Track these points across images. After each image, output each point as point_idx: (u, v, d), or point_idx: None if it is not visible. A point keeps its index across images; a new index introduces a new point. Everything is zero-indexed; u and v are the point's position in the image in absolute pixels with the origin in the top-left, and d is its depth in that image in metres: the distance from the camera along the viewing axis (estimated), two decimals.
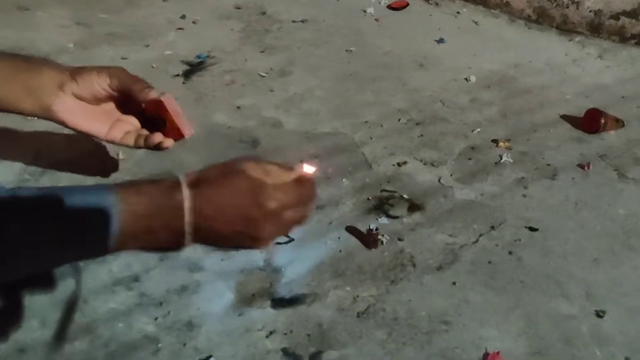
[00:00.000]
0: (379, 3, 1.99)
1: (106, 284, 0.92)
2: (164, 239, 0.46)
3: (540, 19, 1.74)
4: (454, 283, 0.91)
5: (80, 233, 0.42)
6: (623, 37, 1.60)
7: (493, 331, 0.83)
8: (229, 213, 0.46)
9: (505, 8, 1.80)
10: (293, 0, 2.05)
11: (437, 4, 1.94)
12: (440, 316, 0.85)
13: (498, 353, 0.78)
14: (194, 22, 1.89)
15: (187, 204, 0.45)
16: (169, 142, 0.60)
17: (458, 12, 1.89)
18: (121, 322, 0.87)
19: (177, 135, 0.60)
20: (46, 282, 0.49)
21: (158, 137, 0.58)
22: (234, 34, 1.81)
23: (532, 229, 1.02)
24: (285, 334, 0.83)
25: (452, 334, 0.83)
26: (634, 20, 1.56)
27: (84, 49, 1.73)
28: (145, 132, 0.60)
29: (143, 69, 1.60)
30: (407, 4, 1.95)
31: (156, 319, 0.87)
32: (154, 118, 0.60)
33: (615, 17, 1.59)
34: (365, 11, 1.93)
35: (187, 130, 0.61)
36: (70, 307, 0.92)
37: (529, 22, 1.76)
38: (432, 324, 0.84)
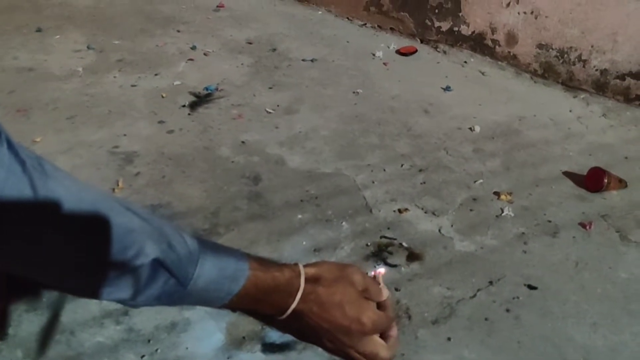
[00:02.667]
0: (388, 47, 2.02)
1: (95, 316, 0.90)
2: (265, 311, 0.53)
3: (546, 73, 1.75)
4: (449, 339, 0.90)
5: (211, 282, 0.49)
6: (628, 98, 1.61)
7: None
8: (330, 315, 0.53)
9: (512, 61, 1.82)
10: (304, 39, 2.08)
11: (445, 52, 1.97)
12: None
13: None
14: (205, 54, 1.91)
15: (299, 294, 0.53)
16: None
17: (465, 62, 1.91)
18: (107, 358, 0.85)
19: None
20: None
21: None
22: (244, 68, 1.83)
23: (531, 287, 1.00)
24: None
25: None
26: (639, 81, 1.57)
27: (93, 73, 1.74)
28: None
29: (152, 98, 1.61)
30: (416, 50, 1.98)
31: (143, 356, 0.85)
32: None
33: (621, 77, 1.60)
34: (374, 54, 1.96)
35: None
36: (52, 320, 0.90)
37: (535, 76, 1.78)
38: None
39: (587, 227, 1.16)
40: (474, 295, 0.98)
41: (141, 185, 1.24)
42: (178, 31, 2.09)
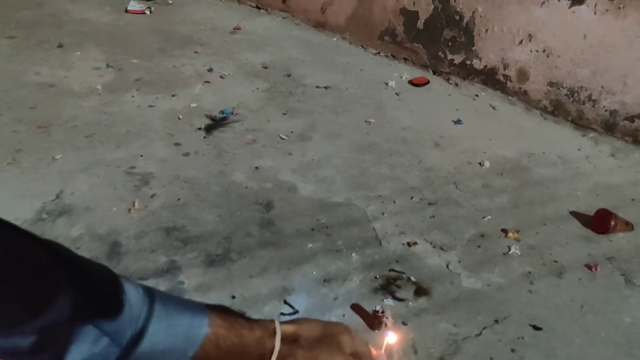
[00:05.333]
0: (401, 77, 2.05)
1: None
2: None
3: (556, 111, 1.78)
4: None
5: (158, 343, 0.45)
6: (636, 139, 1.63)
7: None
8: None
9: (523, 97, 1.85)
10: (319, 66, 2.12)
11: (456, 85, 2.00)
12: None
13: None
14: (221, 77, 1.95)
15: (274, 356, 0.48)
16: None
17: (477, 95, 1.94)
18: None
19: None
20: None
21: None
22: (259, 93, 1.86)
23: (536, 328, 1.02)
24: None
25: None
26: None
27: (111, 92, 1.78)
28: None
29: (168, 119, 1.64)
30: (428, 82, 2.01)
31: None
32: None
33: (630, 119, 1.63)
34: (387, 84, 1.99)
35: None
36: None
37: (545, 112, 1.80)
38: None
39: (593, 269, 1.18)
40: (480, 334, 1.00)
41: (156, 207, 1.26)
42: (195, 52, 2.14)
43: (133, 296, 0.43)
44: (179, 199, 1.29)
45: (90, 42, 2.14)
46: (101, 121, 1.60)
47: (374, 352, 0.55)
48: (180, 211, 1.26)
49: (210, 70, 1.98)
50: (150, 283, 1.04)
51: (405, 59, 2.16)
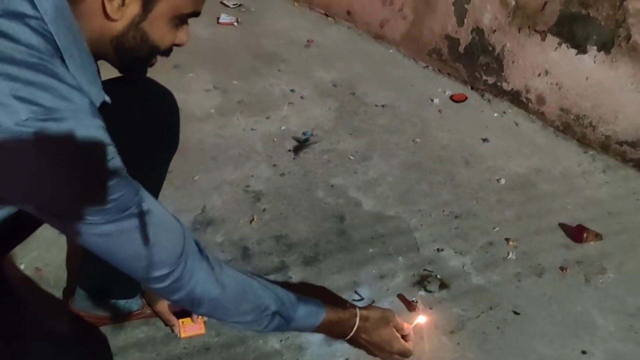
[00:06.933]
0: (444, 93, 2.54)
1: None
2: (336, 335, 1.16)
3: (565, 130, 2.25)
4: (458, 343, 1.49)
5: (303, 320, 1.03)
6: (624, 159, 2.10)
7: None
8: (374, 341, 1.14)
9: (541, 116, 2.32)
10: (377, 82, 2.61)
11: (489, 101, 2.48)
12: None
13: None
14: (301, 97, 2.49)
15: (355, 327, 1.11)
16: (181, 333, 1.47)
17: (504, 112, 2.42)
18: (261, 340, 1.50)
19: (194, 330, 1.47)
20: None
21: (176, 328, 1.46)
22: (331, 113, 2.40)
23: (516, 313, 1.58)
24: None
25: None
26: (633, 148, 2.06)
27: (222, 115, 2.34)
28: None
29: (267, 142, 2.17)
30: (466, 98, 2.49)
31: (281, 340, 1.50)
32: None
33: (620, 143, 2.09)
34: (432, 100, 2.49)
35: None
36: None
37: (557, 130, 2.28)
38: None
39: (564, 271, 1.71)
40: (478, 316, 1.57)
41: (267, 219, 1.86)
42: (279, 70, 2.67)
43: (292, 296, 1.02)
44: (281, 213, 1.89)
45: (199, 61, 2.67)
46: (219, 144, 2.19)
47: (407, 326, 1.22)
48: (283, 223, 1.85)
49: (292, 90, 2.52)
50: (270, 277, 1.65)
51: (448, 74, 2.63)
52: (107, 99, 0.75)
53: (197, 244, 0.85)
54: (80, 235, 0.69)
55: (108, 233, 0.69)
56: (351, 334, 1.15)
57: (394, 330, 1.20)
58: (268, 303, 0.97)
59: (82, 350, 1.18)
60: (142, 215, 0.71)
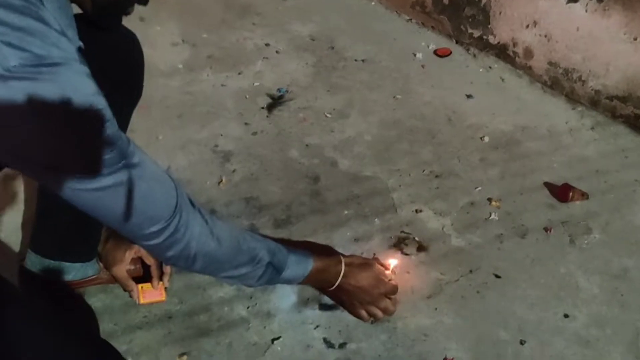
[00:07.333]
0: (427, 47, 2.41)
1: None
2: (323, 284, 1.21)
3: (553, 85, 2.14)
4: (436, 309, 1.41)
5: (293, 270, 1.08)
6: (614, 115, 2.00)
7: (453, 345, 1.33)
8: (361, 285, 1.20)
9: (528, 71, 2.20)
10: (358, 35, 2.47)
11: (474, 56, 2.35)
12: (422, 330, 1.36)
13: (453, 359, 1.30)
14: (277, 52, 2.35)
15: (342, 272, 1.17)
16: (140, 299, 1.37)
17: (490, 67, 2.30)
18: (227, 307, 1.41)
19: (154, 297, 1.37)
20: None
21: (134, 293, 1.35)
22: (308, 68, 2.27)
23: (497, 276, 1.50)
24: (326, 328, 1.34)
25: (427, 343, 1.33)
26: (623, 104, 1.96)
27: (190, 70, 2.21)
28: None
29: (238, 99, 2.06)
30: (451, 52, 2.37)
31: (248, 307, 1.41)
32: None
33: (610, 98, 1.98)
34: (415, 55, 2.36)
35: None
36: None
37: (545, 86, 2.17)
38: (417, 334, 1.35)
39: (548, 232, 1.63)
40: (457, 280, 1.49)
41: (237, 181, 1.76)
42: (253, 24, 2.52)
43: (282, 248, 1.08)
44: (252, 174, 1.78)
45: (166, 12, 2.48)
46: (187, 101, 2.06)
47: (387, 267, 1.36)
48: (254, 184, 1.75)
49: (267, 45, 2.38)
50: None
51: (432, 27, 2.50)
52: (81, 44, 0.69)
53: (189, 197, 0.83)
54: (70, 191, 0.67)
55: (101, 188, 0.67)
56: (338, 281, 1.19)
57: (378, 272, 1.26)
58: (262, 254, 0.99)
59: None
60: (134, 168, 0.70)
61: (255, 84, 2.16)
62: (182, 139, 1.89)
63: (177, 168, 1.78)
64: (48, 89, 0.57)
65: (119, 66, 1.08)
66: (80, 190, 0.67)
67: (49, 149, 0.62)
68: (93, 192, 0.67)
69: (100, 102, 0.64)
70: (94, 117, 0.63)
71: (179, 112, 2.00)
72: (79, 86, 0.61)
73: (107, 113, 0.65)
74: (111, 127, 0.65)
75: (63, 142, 0.62)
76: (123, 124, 1.27)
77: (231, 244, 0.92)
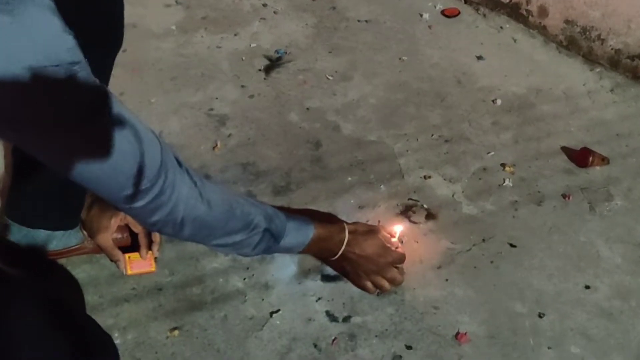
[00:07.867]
0: (435, 7, 2.27)
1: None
2: (326, 254, 1.12)
3: (569, 46, 2.01)
4: (447, 280, 1.32)
5: (294, 238, 1.01)
6: (636, 76, 1.87)
7: (466, 318, 1.24)
8: (367, 254, 1.11)
9: (542, 31, 2.07)
10: None
11: (484, 15, 2.22)
12: (432, 302, 1.26)
13: (465, 334, 1.20)
14: (275, 12, 2.22)
15: (345, 240, 1.09)
16: (127, 270, 1.27)
17: (501, 27, 2.16)
18: (221, 278, 1.31)
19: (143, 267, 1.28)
20: None
21: (121, 264, 1.26)
22: (308, 29, 2.15)
23: (512, 245, 1.40)
24: (329, 300, 1.25)
25: (438, 316, 1.24)
26: None
27: (184, 32, 2.09)
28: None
29: (234, 61, 1.95)
30: (459, 13, 2.23)
31: (244, 278, 1.31)
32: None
33: (632, 58, 1.86)
34: (421, 15, 2.22)
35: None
36: None
37: (560, 46, 2.04)
38: (426, 307, 1.25)
39: (567, 198, 1.53)
40: (470, 249, 1.39)
41: (233, 145, 1.65)
42: None
43: (281, 214, 0.99)
44: (249, 139, 1.67)
45: None
46: (180, 64, 1.94)
47: (393, 236, 1.27)
48: (251, 149, 1.64)
49: (264, 5, 2.25)
50: None
51: None
52: None
53: (176, 157, 0.76)
54: (42, 149, 0.61)
55: (76, 144, 0.60)
56: (341, 250, 1.11)
57: (384, 240, 1.18)
58: (258, 220, 0.91)
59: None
60: (114, 121, 0.62)
61: (252, 45, 2.04)
62: (175, 102, 1.78)
63: (170, 132, 1.67)
64: (2, 21, 0.49)
65: (96, 13, 1.00)
66: (55, 148, 0.61)
67: (7, 96, 0.53)
68: (70, 148, 0.61)
69: (67, 41, 0.55)
70: (60, 57, 0.54)
71: (172, 75, 1.89)
72: (41, 21, 0.52)
73: (79, 55, 0.57)
74: (85, 72, 0.57)
75: (24, 87, 0.53)
76: (103, 76, 1.16)
77: (223, 208, 0.84)
